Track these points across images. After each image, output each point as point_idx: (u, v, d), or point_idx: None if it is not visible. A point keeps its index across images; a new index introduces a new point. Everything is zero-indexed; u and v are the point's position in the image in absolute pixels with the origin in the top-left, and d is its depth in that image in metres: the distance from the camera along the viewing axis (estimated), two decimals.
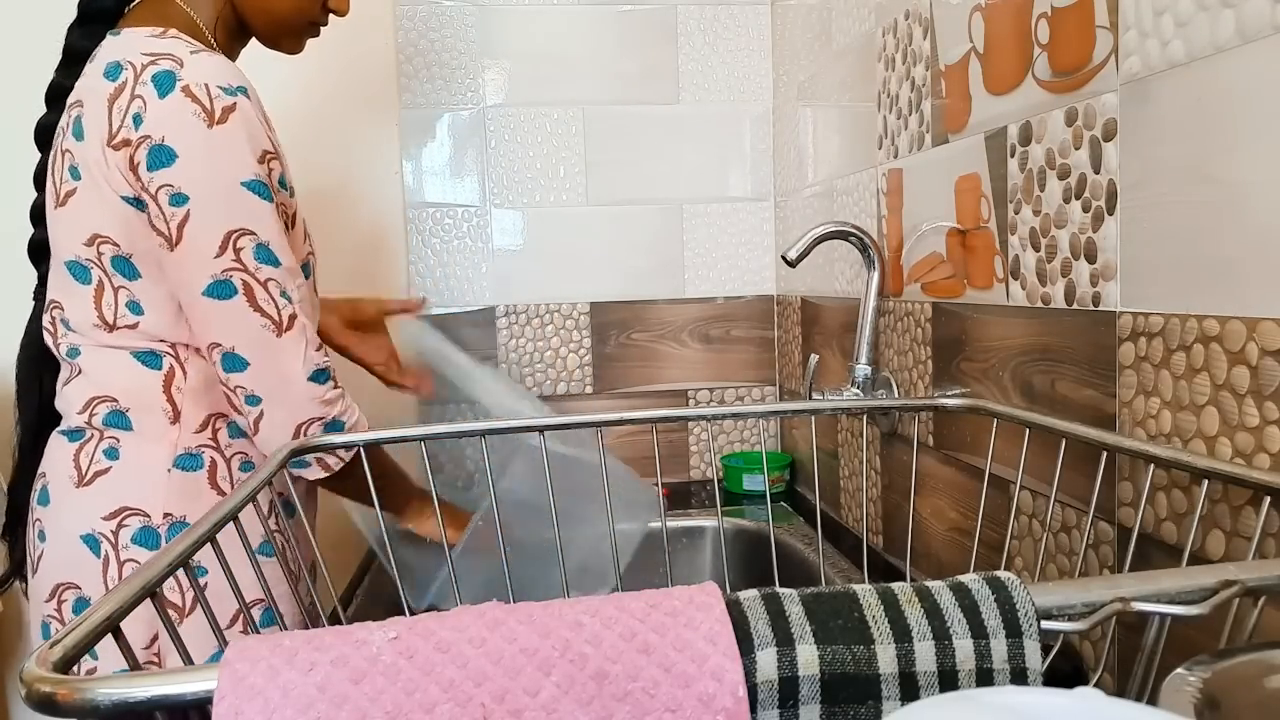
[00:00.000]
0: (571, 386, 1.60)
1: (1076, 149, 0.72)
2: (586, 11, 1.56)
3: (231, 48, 1.00)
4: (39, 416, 0.97)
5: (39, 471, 0.94)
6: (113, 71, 0.86)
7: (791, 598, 0.40)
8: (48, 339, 0.94)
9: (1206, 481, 0.56)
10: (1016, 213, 0.82)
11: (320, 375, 0.91)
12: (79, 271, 0.90)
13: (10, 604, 1.49)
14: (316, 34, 1.04)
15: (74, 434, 0.91)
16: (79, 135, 0.88)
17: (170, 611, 0.88)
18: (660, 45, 1.58)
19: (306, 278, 0.98)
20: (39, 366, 0.97)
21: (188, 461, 0.91)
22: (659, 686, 0.37)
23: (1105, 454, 0.66)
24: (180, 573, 0.51)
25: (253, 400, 0.89)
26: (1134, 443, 0.62)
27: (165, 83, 0.84)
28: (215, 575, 0.60)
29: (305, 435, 0.89)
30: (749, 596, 0.41)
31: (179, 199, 0.84)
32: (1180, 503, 0.63)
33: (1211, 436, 0.60)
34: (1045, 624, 0.40)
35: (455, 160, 1.56)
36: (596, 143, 1.58)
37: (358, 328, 1.20)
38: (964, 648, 0.39)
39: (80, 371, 0.92)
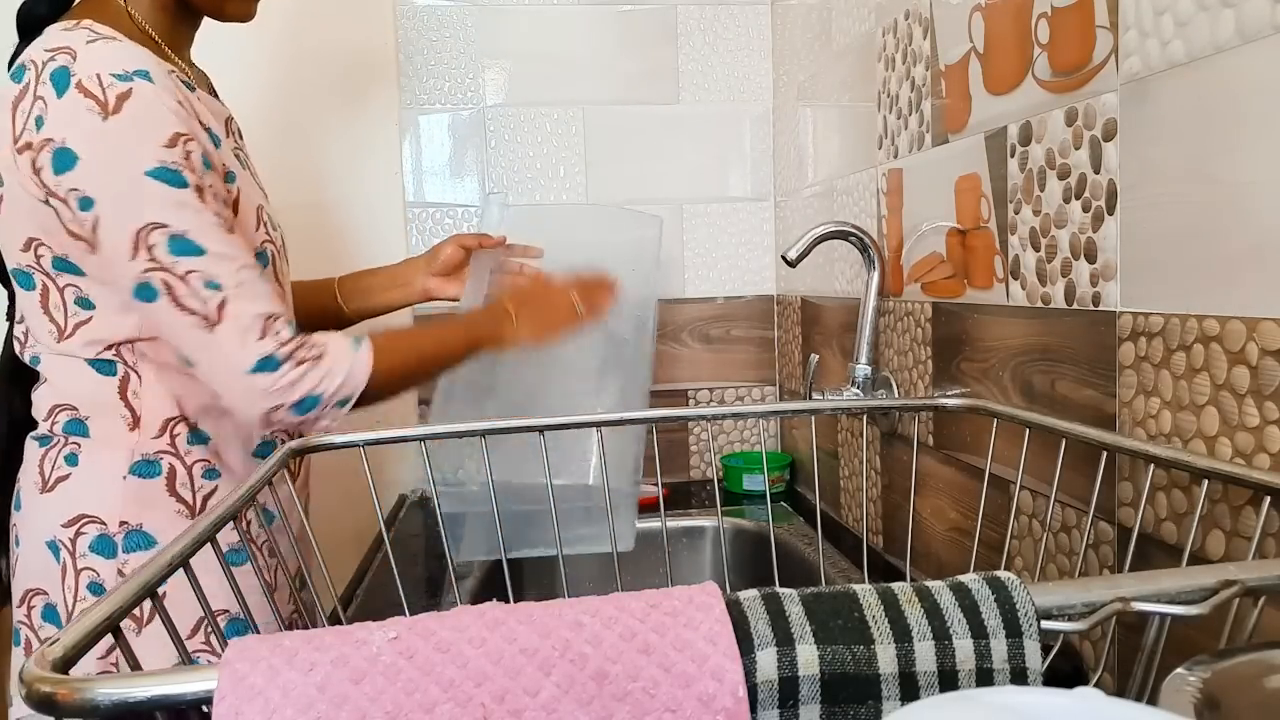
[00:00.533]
0: None
1: (1076, 149, 0.72)
2: (586, 11, 1.56)
3: (176, 30, 0.94)
4: (10, 430, 0.95)
5: (15, 478, 0.94)
6: (18, 74, 0.84)
7: (791, 598, 0.40)
8: (17, 348, 0.93)
9: (1206, 481, 0.56)
10: (1016, 213, 0.82)
11: (268, 364, 0.85)
12: (22, 278, 0.88)
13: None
14: None
15: (42, 440, 0.91)
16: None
17: (129, 622, 0.87)
18: (660, 45, 1.58)
19: (265, 266, 0.94)
20: (9, 380, 0.96)
21: (144, 468, 0.89)
22: (659, 686, 0.37)
23: (1105, 454, 0.66)
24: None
25: (216, 395, 0.88)
26: (1134, 443, 0.62)
27: (61, 80, 0.81)
28: (176, 586, 0.53)
29: (273, 422, 0.88)
30: (749, 596, 0.41)
31: (86, 203, 0.81)
32: (1180, 503, 0.63)
33: (1211, 436, 0.60)
34: (1045, 624, 0.40)
35: (455, 160, 1.56)
36: (596, 143, 1.57)
37: (443, 272, 1.20)
38: (964, 648, 0.39)
39: (44, 379, 0.91)
